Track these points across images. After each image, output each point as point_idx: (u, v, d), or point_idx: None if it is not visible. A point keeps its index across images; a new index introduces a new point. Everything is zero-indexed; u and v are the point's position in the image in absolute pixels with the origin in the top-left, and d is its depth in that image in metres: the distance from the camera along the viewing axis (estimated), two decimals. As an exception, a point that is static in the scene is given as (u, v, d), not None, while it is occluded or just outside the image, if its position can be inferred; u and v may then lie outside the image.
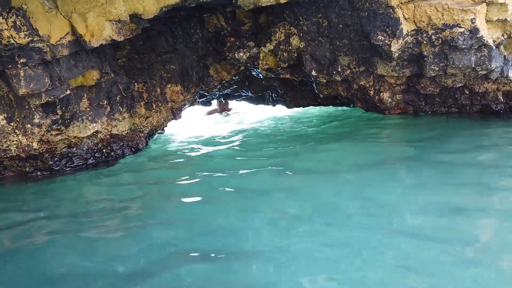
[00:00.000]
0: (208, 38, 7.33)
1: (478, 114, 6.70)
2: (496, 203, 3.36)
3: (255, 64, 7.08)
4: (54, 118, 5.24)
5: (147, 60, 6.98)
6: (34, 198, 4.70)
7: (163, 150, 7.05)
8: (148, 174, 5.47)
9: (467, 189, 3.60)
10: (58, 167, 5.80)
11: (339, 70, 6.56)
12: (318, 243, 2.86)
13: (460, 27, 5.47)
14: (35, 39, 4.52)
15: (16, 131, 5.21)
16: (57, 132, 5.42)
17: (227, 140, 7.48)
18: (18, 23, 4.35)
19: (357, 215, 3.26)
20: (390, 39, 5.82)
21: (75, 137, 5.70)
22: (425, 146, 5.11)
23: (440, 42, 5.71)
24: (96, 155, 6.11)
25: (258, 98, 9.94)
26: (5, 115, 5.09)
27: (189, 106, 8.68)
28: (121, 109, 6.32)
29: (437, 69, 5.97)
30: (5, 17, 4.25)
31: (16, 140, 5.26)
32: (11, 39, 4.33)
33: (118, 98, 6.25)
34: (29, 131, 5.23)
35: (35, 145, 5.36)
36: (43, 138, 5.36)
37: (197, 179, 4.86)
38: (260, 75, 7.85)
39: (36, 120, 5.17)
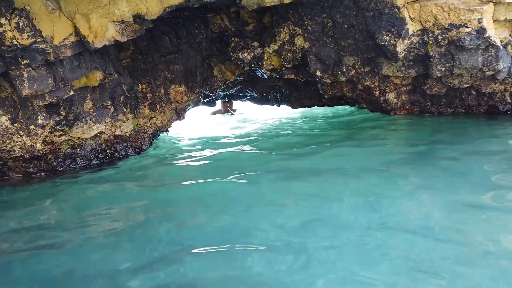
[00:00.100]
0: (212, 38, 7.30)
1: (485, 115, 6.62)
2: (507, 202, 3.30)
3: (259, 64, 7.05)
4: (58, 119, 5.23)
5: (151, 61, 6.97)
6: (38, 198, 4.70)
7: (167, 150, 7.02)
8: (151, 174, 5.45)
9: (477, 189, 3.53)
10: (62, 168, 5.80)
11: (344, 70, 6.50)
12: (327, 243, 2.83)
13: (467, 27, 5.40)
14: (38, 40, 4.52)
15: (20, 132, 5.21)
16: (60, 133, 5.41)
17: (230, 141, 7.45)
18: (21, 24, 4.34)
19: (364, 215, 3.22)
20: (396, 39, 5.76)
21: (78, 138, 5.69)
22: (433, 147, 5.03)
23: (447, 42, 5.64)
24: (100, 156, 6.10)
25: (263, 99, 9.92)
26: (9, 116, 5.09)
27: (193, 106, 8.66)
28: (125, 109, 6.31)
29: (443, 69, 5.90)
30: (8, 18, 4.25)
31: (20, 141, 5.26)
32: (14, 40, 4.33)
33: (121, 99, 6.24)
34: (33, 132, 5.23)
35: (39, 146, 5.36)
36: (46, 139, 5.36)
37: (199, 180, 4.84)
38: (265, 75, 7.82)
39: (40, 121, 5.17)
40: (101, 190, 4.90)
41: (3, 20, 4.23)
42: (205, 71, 7.65)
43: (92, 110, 5.75)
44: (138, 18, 5.28)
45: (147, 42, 6.84)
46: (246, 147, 6.49)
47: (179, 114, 7.74)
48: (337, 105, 8.99)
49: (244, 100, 10.22)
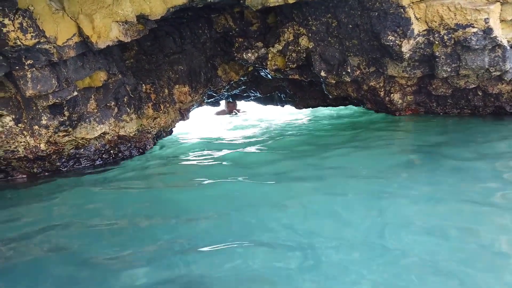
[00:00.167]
0: (216, 38, 7.28)
1: (491, 116, 6.54)
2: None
3: (263, 64, 7.02)
4: (62, 120, 5.23)
5: (155, 61, 6.96)
6: (42, 197, 4.70)
7: (171, 151, 7.01)
8: (155, 175, 5.44)
9: (487, 190, 3.49)
10: (65, 168, 5.80)
11: (349, 70, 6.46)
12: (337, 244, 2.81)
13: (473, 27, 5.33)
14: (41, 40, 4.51)
15: (24, 132, 5.21)
16: (64, 133, 5.41)
17: (234, 141, 7.43)
18: (24, 24, 4.34)
19: (372, 217, 3.18)
20: (401, 40, 5.71)
21: (82, 138, 5.69)
22: (440, 148, 4.96)
23: (453, 42, 5.58)
24: (103, 156, 6.10)
25: (267, 99, 9.89)
26: (13, 116, 5.10)
27: (197, 106, 8.64)
28: (129, 110, 6.30)
29: (449, 70, 5.84)
30: (12, 19, 4.25)
31: (24, 141, 5.26)
32: (18, 40, 4.32)
33: (125, 99, 6.23)
34: (37, 132, 5.23)
35: (42, 146, 5.36)
36: (50, 139, 5.36)
37: (204, 180, 4.81)
38: (269, 75, 7.79)
39: (44, 122, 5.17)
40: (106, 191, 4.88)
41: (6, 21, 4.23)
42: (209, 71, 7.63)
43: (95, 110, 5.75)
44: (141, 18, 5.27)
45: (151, 42, 6.83)
46: (251, 148, 6.46)
47: (183, 115, 7.72)
48: (342, 106, 8.93)
49: (248, 101, 10.19)
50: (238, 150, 6.37)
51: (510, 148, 4.73)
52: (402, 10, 5.60)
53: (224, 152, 6.32)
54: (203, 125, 10.69)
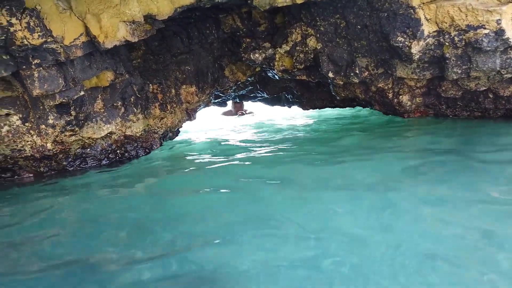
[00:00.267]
0: (223, 38, 7.25)
1: (502, 119, 6.41)
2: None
3: (270, 65, 6.97)
4: (68, 119, 5.23)
5: (162, 61, 6.95)
6: (48, 196, 4.70)
7: (177, 151, 7.00)
8: (160, 175, 5.43)
9: (505, 196, 3.38)
10: (72, 168, 5.80)
11: (357, 72, 6.39)
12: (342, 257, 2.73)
13: (485, 28, 5.23)
14: (48, 40, 4.51)
15: (31, 131, 5.22)
16: (71, 133, 5.41)
17: (240, 143, 7.39)
18: (31, 24, 4.34)
19: (382, 227, 3.09)
20: (411, 41, 5.63)
21: (89, 138, 5.69)
22: (452, 152, 4.84)
23: (463, 44, 5.49)
24: (110, 156, 6.10)
25: (274, 99, 9.84)
26: (20, 116, 5.11)
27: (204, 107, 8.62)
28: (136, 110, 6.29)
29: (459, 71, 5.74)
30: (19, 18, 4.25)
31: (30, 141, 5.27)
32: (25, 40, 4.32)
33: (132, 99, 6.22)
34: (44, 132, 5.24)
35: (49, 145, 5.37)
36: (57, 138, 5.36)
37: (207, 181, 4.79)
38: (276, 76, 7.74)
39: (51, 121, 5.17)
40: (111, 191, 4.88)
41: (14, 20, 4.23)
42: (216, 72, 7.60)
43: (102, 110, 5.74)
44: (149, 18, 5.25)
45: (158, 42, 6.81)
46: (257, 150, 6.41)
47: (190, 115, 7.70)
48: (349, 107, 8.85)
49: (255, 101, 10.15)
50: (243, 152, 6.33)
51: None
52: (412, 10, 5.52)
53: (230, 153, 6.28)
54: (210, 126, 10.67)
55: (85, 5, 4.75)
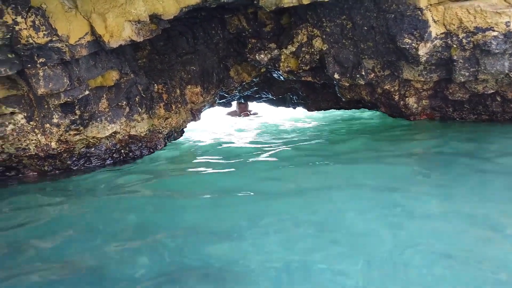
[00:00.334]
0: (229, 39, 7.23)
1: (510, 122, 6.33)
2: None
3: (276, 66, 6.94)
4: (73, 118, 5.23)
5: (167, 61, 6.93)
6: (51, 195, 4.69)
7: (181, 151, 6.98)
8: (165, 175, 5.40)
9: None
10: (76, 167, 5.80)
11: (363, 73, 6.34)
12: (342, 259, 2.70)
13: (494, 30, 5.18)
14: (54, 39, 4.50)
15: (35, 130, 5.21)
16: (75, 132, 5.40)
17: (245, 145, 7.35)
18: (37, 22, 4.33)
19: (390, 231, 3.04)
20: (418, 43, 5.58)
21: (93, 137, 5.68)
22: (459, 156, 4.76)
23: (472, 46, 5.43)
24: (114, 155, 6.09)
25: (279, 100, 9.81)
26: (25, 114, 5.11)
27: (209, 107, 8.60)
28: (140, 110, 6.28)
29: (467, 74, 5.68)
30: (24, 17, 4.24)
31: (35, 139, 5.27)
32: (30, 38, 4.32)
33: (137, 99, 6.21)
34: (48, 131, 5.23)
35: (53, 144, 5.36)
36: (61, 138, 5.36)
37: (208, 180, 4.78)
38: (281, 77, 7.70)
39: (55, 120, 5.17)
40: (115, 190, 4.86)
41: (19, 19, 4.22)
42: (222, 72, 7.58)
43: (107, 109, 5.73)
44: (154, 18, 5.23)
45: (164, 42, 6.80)
46: (262, 151, 6.35)
47: (195, 115, 7.69)
48: (355, 109, 8.79)
49: (260, 102, 10.13)
50: (248, 153, 6.30)
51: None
52: (419, 12, 5.47)
53: (235, 154, 6.25)
54: (214, 126, 10.65)
55: (91, 4, 4.74)
